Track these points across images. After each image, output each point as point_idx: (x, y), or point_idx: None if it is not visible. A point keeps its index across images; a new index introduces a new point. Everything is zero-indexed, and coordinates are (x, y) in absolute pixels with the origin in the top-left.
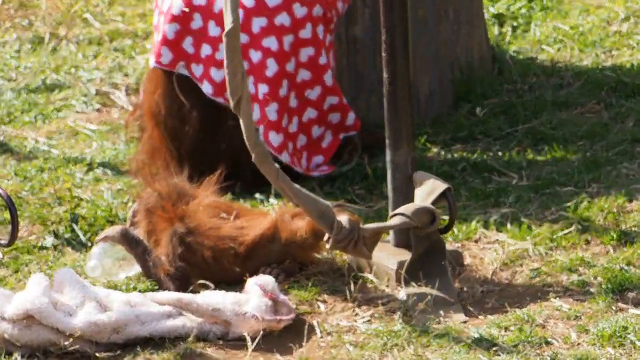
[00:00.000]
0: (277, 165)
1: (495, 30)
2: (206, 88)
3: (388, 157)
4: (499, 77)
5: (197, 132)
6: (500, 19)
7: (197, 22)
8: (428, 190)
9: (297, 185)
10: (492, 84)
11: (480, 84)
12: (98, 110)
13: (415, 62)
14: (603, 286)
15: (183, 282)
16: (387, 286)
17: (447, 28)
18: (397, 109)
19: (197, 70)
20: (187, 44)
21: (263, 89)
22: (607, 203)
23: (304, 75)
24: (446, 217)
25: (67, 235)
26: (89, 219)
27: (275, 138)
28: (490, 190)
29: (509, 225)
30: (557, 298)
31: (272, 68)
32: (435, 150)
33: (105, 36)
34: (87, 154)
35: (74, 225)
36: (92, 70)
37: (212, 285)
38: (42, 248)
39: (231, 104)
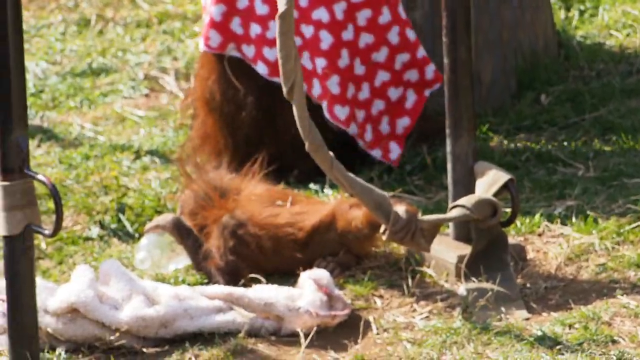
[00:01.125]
0: (331, 154)
1: (561, 14)
2: (261, 68)
3: (448, 148)
4: (565, 63)
5: (253, 118)
6: (567, 2)
7: (243, 2)
8: (490, 181)
9: (352, 175)
10: (558, 70)
11: (545, 70)
12: (146, 95)
13: (477, 48)
14: None
15: (233, 276)
16: (447, 281)
17: (511, 12)
18: (458, 96)
19: (249, 51)
20: (236, 25)
21: (321, 62)
22: None
23: (367, 38)
24: (508, 210)
25: (113, 226)
26: (136, 208)
27: (341, 111)
28: (554, 182)
29: (574, 219)
30: (624, 295)
31: (326, 40)
32: (497, 139)
33: (154, 18)
34: (135, 141)
35: (121, 215)
36: (140, 54)
37: (263, 279)
38: (87, 239)
39: (284, 90)
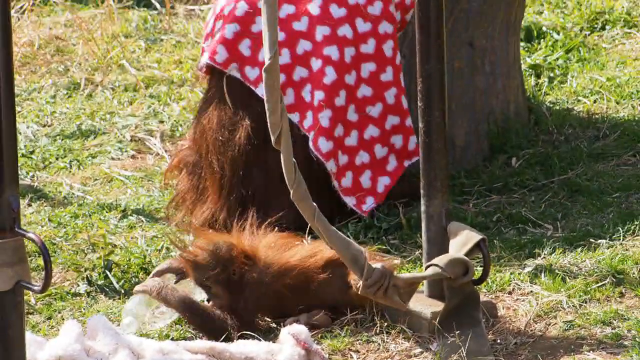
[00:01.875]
0: (314, 205)
1: (531, 81)
2: (262, 91)
3: (422, 208)
4: (535, 128)
5: (246, 142)
6: (536, 69)
7: (257, 26)
8: (462, 241)
9: (333, 227)
10: (528, 135)
11: (516, 135)
12: (133, 156)
13: (450, 112)
14: (637, 339)
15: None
16: (420, 337)
17: (483, 79)
18: (432, 159)
19: (252, 73)
20: (244, 46)
21: (319, 95)
22: None
23: (365, 91)
24: (480, 268)
25: (100, 282)
26: (123, 265)
27: (324, 145)
28: (524, 242)
29: (543, 277)
30: (591, 351)
31: (330, 76)
32: (470, 201)
33: (141, 82)
34: (122, 200)
35: (108, 272)
36: (127, 117)
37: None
38: (75, 294)
39: (272, 139)
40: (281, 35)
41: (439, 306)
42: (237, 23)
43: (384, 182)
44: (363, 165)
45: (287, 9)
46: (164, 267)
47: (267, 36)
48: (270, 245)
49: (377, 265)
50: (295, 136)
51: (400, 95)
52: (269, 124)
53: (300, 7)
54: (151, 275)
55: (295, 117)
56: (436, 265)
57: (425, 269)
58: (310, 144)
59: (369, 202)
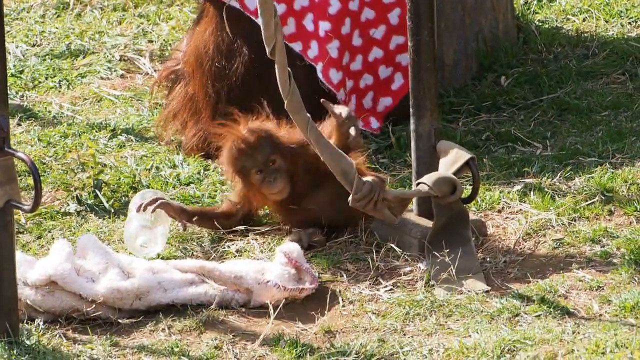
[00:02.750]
0: (308, 116)
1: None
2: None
3: (411, 127)
4: (524, 46)
5: (244, 71)
6: None
7: None
8: (452, 159)
9: (325, 139)
10: (517, 53)
11: (504, 53)
12: (122, 76)
13: (439, 31)
14: (626, 257)
15: None
16: (410, 255)
17: None
18: (421, 78)
19: (251, 3)
20: None
21: (325, 25)
22: (631, 174)
23: (368, 14)
24: (470, 187)
25: (90, 201)
26: (113, 185)
27: (335, 75)
28: (514, 160)
29: (532, 195)
30: (580, 269)
31: (335, 5)
32: (459, 119)
33: (130, 2)
34: (111, 120)
35: (98, 192)
36: (116, 37)
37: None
38: (65, 214)
39: (267, 50)
40: None
41: (428, 225)
42: None
43: (385, 102)
44: (367, 87)
45: None
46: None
47: None
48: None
49: (367, 178)
50: (297, 67)
51: (404, 14)
52: (263, 37)
53: None
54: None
55: (297, 46)
56: (424, 183)
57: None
58: (320, 75)
59: (374, 123)
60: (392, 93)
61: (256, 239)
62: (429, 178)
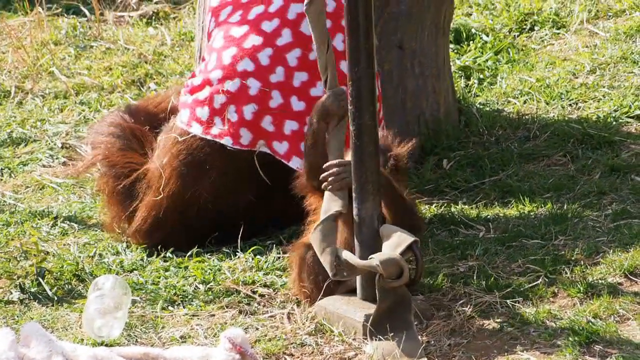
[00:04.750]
0: None
1: (461, 82)
2: (295, 163)
3: (355, 211)
4: (466, 129)
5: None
6: (466, 71)
7: (276, 100)
8: (395, 242)
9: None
10: (459, 136)
11: (446, 136)
12: (64, 163)
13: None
14: (570, 339)
15: None
16: (354, 339)
17: (413, 81)
18: (363, 162)
19: (281, 147)
20: (267, 123)
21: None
22: (574, 256)
23: (301, 76)
24: (413, 270)
25: (33, 289)
26: (56, 272)
27: (279, 147)
28: (457, 243)
29: (476, 278)
30: (525, 351)
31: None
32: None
33: (72, 90)
34: (53, 207)
35: (41, 279)
36: (58, 124)
37: None
38: (8, 302)
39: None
40: (301, 105)
41: (372, 309)
42: (254, 103)
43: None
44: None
45: (300, 78)
46: None
47: None
48: None
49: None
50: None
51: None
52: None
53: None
54: None
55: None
56: (373, 258)
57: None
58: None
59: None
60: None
61: (200, 325)
62: (378, 256)
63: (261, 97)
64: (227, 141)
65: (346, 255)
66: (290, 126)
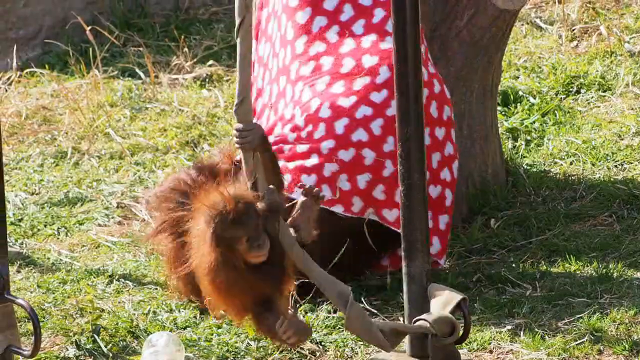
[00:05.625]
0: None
1: (509, 144)
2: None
3: (404, 269)
4: (513, 190)
5: None
6: (514, 133)
7: (389, 169)
8: (444, 300)
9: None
10: (506, 196)
11: (494, 196)
12: (119, 222)
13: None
14: None
15: None
16: None
17: (461, 143)
18: (412, 221)
19: (390, 215)
20: (378, 192)
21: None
22: (619, 314)
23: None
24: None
25: (89, 346)
26: (111, 329)
27: (390, 215)
28: (504, 301)
29: (522, 336)
30: None
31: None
32: (450, 262)
33: (127, 150)
34: (109, 265)
35: (96, 336)
36: (113, 184)
37: None
38: (64, 359)
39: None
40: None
41: None
42: (368, 173)
43: (444, 220)
44: None
45: None
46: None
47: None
48: None
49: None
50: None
51: (433, 131)
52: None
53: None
54: None
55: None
56: (425, 320)
57: (412, 323)
58: (377, 218)
59: (435, 244)
60: (448, 210)
61: None
62: (429, 316)
63: (375, 166)
64: (338, 209)
65: (393, 324)
66: (397, 195)
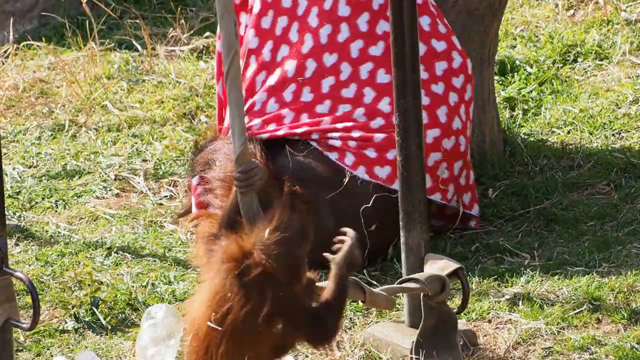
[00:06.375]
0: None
1: (506, 113)
2: None
3: (402, 239)
4: (511, 159)
5: None
6: (511, 102)
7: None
8: (441, 266)
9: None
10: (504, 166)
11: (492, 166)
12: (117, 195)
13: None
14: None
15: None
16: None
17: None
18: (410, 192)
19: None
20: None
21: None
22: (618, 282)
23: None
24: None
25: (87, 319)
26: (109, 302)
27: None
28: (502, 271)
29: (521, 305)
30: None
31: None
32: (447, 232)
33: (124, 122)
34: (107, 238)
35: (95, 309)
36: (111, 156)
37: None
38: (63, 331)
39: None
40: None
41: None
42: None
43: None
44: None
45: None
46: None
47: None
48: None
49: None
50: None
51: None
52: None
53: None
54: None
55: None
56: (415, 279)
57: (403, 282)
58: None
59: (472, 206)
60: (463, 155)
61: None
62: (420, 275)
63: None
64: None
65: (385, 288)
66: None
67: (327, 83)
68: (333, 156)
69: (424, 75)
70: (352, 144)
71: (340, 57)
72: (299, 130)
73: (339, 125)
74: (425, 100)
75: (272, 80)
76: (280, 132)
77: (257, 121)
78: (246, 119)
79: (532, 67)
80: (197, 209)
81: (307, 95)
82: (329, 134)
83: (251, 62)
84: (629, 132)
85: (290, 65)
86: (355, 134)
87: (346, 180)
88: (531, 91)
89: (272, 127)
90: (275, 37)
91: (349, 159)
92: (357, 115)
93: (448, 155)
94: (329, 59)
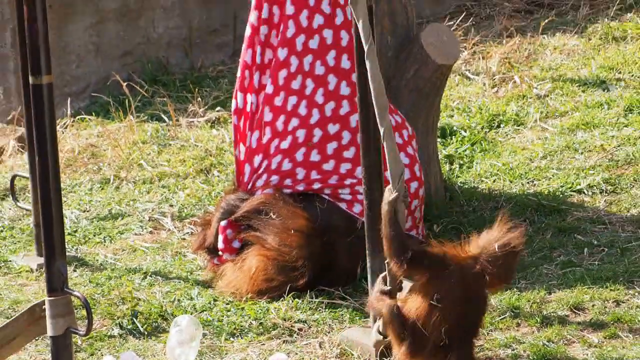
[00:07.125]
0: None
1: (447, 167)
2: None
3: (368, 264)
4: (450, 202)
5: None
6: (450, 158)
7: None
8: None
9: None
10: (445, 207)
11: (435, 208)
12: (150, 232)
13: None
14: (531, 358)
15: None
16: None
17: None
18: (374, 228)
19: None
20: None
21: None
22: (532, 295)
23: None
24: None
25: (129, 327)
26: (146, 314)
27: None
28: None
29: None
30: None
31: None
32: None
33: (155, 177)
34: (143, 265)
35: (134, 319)
36: (145, 203)
37: None
38: (110, 336)
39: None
40: None
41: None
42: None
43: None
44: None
45: None
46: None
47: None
48: None
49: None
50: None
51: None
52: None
53: None
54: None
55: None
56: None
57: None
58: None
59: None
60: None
61: (254, 351)
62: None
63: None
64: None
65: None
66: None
67: (331, 147)
68: (343, 206)
69: (399, 140)
70: (359, 197)
71: (341, 127)
72: (315, 186)
73: (347, 182)
74: (405, 160)
75: (285, 144)
76: (300, 188)
77: (274, 177)
78: (265, 176)
79: (466, 132)
80: (224, 245)
81: (315, 156)
82: (339, 190)
83: (266, 132)
84: (539, 180)
85: (300, 133)
86: (359, 188)
87: (359, 226)
88: (465, 150)
89: (288, 181)
90: (287, 112)
91: (357, 208)
92: (357, 173)
93: (420, 198)
94: (332, 128)
